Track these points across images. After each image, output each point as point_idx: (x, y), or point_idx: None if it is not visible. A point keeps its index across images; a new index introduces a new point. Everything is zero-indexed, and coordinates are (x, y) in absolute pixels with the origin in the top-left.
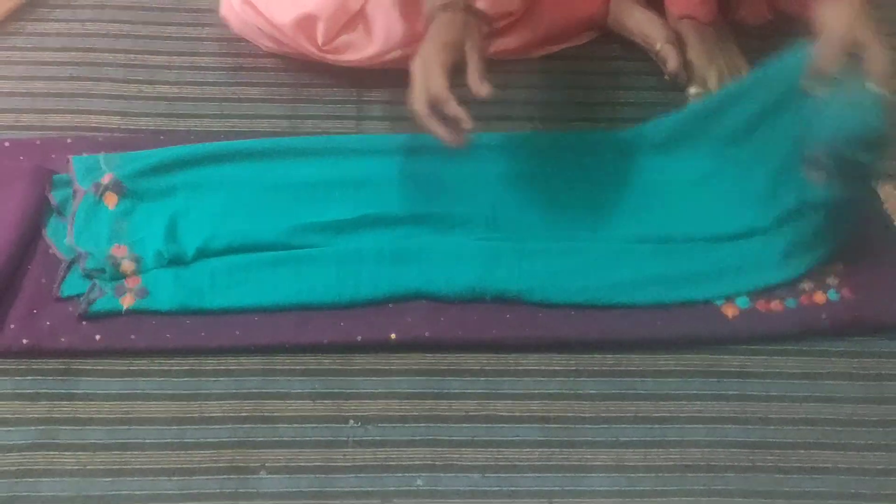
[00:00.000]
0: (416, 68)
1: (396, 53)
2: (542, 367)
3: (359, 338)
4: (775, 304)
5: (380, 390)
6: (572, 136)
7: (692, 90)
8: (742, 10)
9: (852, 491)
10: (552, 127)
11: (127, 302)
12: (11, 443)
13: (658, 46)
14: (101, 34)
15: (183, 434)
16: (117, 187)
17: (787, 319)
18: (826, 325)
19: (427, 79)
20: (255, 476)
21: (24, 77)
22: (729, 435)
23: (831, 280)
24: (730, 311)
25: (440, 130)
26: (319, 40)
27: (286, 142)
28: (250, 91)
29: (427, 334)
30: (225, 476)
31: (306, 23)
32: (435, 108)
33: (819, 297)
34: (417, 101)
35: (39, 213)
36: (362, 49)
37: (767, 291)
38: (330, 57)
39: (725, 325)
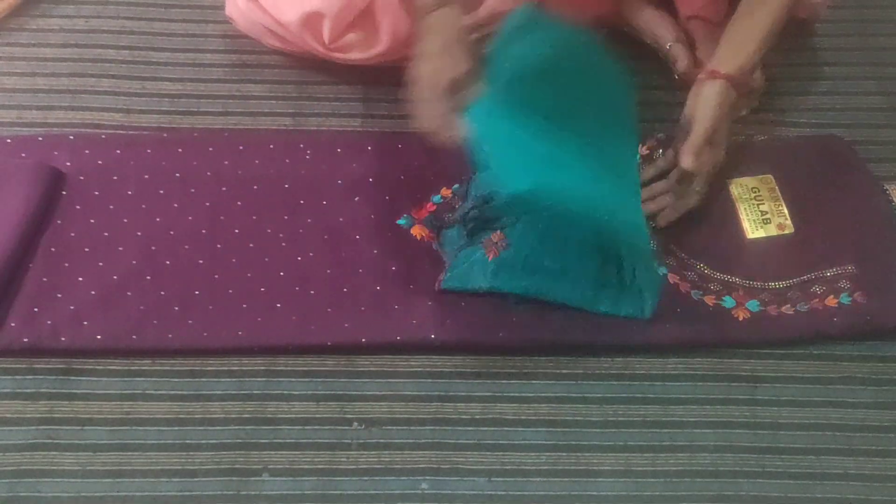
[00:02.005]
0: (417, 85)
1: (403, 52)
2: (549, 370)
3: (363, 339)
4: (786, 308)
5: (384, 392)
6: None
7: None
8: None
9: (863, 497)
10: None
11: (491, 254)
12: (11, 442)
13: (668, 46)
14: (104, 30)
15: (184, 435)
16: None
17: (798, 323)
18: (837, 328)
19: (427, 103)
20: (257, 478)
21: (26, 73)
22: (738, 440)
23: (843, 284)
24: (740, 315)
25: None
26: (326, 38)
27: None
28: (254, 88)
29: (433, 336)
30: (227, 478)
31: (313, 21)
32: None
33: (831, 301)
34: (423, 120)
35: (41, 211)
36: (369, 47)
37: (779, 295)
38: (337, 55)
39: (736, 329)
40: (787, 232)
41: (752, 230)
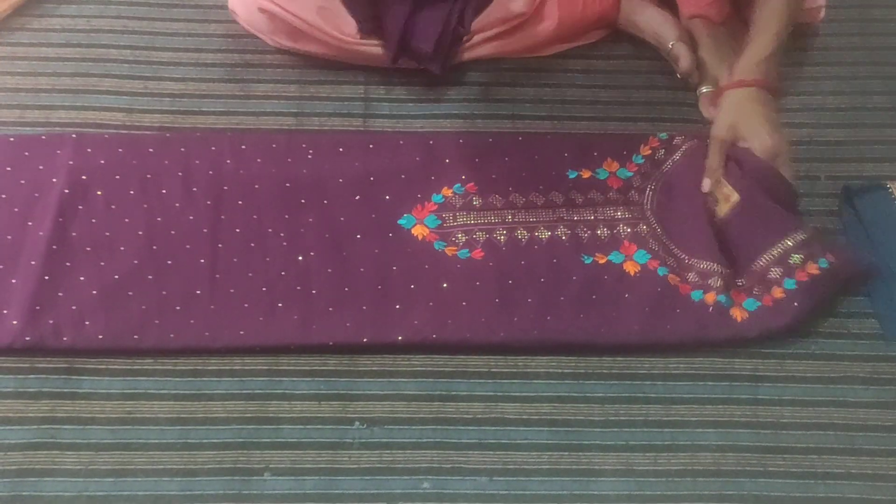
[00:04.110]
0: None
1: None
2: (551, 370)
3: (365, 339)
4: (777, 292)
5: (386, 392)
6: None
7: (704, 89)
8: (751, 11)
9: (865, 497)
10: (563, 125)
11: None
12: (13, 442)
13: (670, 45)
14: (106, 30)
15: (186, 434)
16: None
17: (794, 301)
18: (827, 288)
19: None
20: (259, 477)
21: (28, 73)
22: (740, 439)
23: (816, 249)
24: (738, 315)
25: None
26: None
27: None
28: (257, 88)
29: (434, 336)
30: (229, 477)
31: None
32: None
33: (812, 269)
34: None
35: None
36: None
37: (768, 284)
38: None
39: (736, 327)
40: (734, 199)
41: (721, 212)
